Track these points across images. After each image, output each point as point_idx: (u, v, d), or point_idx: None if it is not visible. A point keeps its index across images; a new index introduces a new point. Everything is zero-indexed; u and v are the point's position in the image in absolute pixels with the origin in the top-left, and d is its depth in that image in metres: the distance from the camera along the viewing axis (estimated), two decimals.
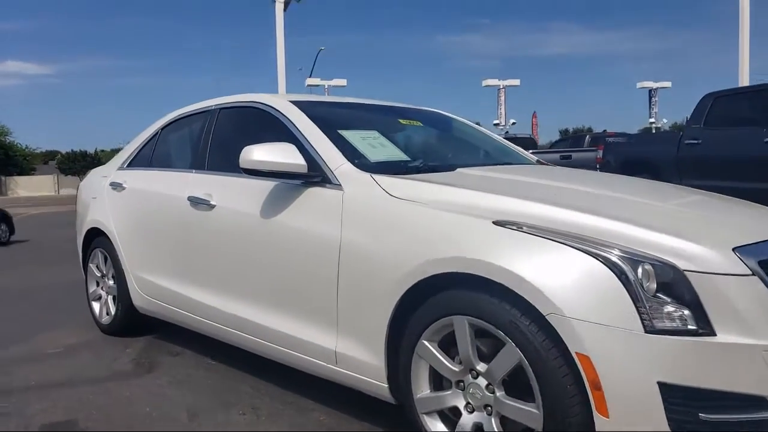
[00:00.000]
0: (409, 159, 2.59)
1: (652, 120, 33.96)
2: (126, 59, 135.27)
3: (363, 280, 2.09)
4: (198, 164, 3.11)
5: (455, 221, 1.87)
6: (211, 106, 3.27)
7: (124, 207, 3.56)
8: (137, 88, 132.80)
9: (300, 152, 2.40)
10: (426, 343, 1.91)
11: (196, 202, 2.91)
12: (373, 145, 2.60)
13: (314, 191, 2.37)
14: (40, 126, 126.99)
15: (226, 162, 2.99)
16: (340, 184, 2.29)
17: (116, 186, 3.68)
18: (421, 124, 3.15)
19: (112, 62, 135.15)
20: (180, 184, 3.11)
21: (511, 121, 33.41)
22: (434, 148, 3.16)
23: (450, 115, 3.46)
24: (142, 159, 3.72)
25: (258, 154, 2.35)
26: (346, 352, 2.18)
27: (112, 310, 3.74)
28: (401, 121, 3.09)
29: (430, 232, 1.92)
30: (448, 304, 1.84)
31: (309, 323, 2.34)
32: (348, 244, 2.15)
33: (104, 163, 4.57)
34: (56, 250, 9.59)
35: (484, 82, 33.50)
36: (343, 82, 30.01)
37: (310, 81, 29.96)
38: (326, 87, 29.52)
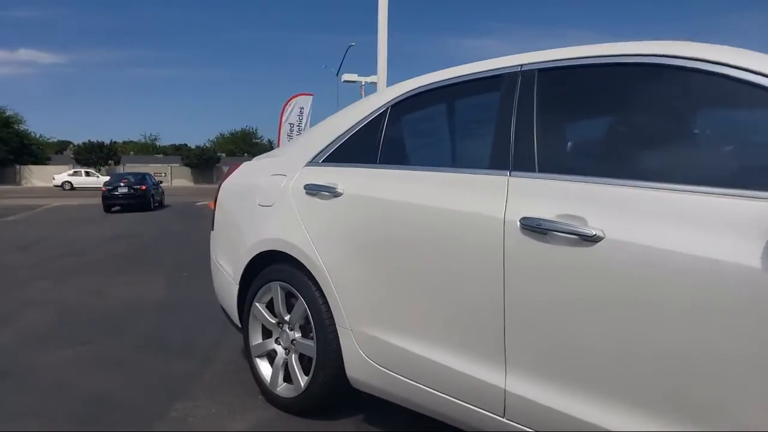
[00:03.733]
0: None
1: None
2: (138, 50, 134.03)
3: None
4: (515, 162, 1.83)
5: None
6: (508, 66, 1.99)
7: (339, 223, 2.28)
8: (150, 80, 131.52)
9: None
10: None
11: (543, 229, 1.64)
12: None
13: None
14: (51, 116, 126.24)
15: (594, 160, 1.74)
16: None
17: (317, 190, 2.40)
18: None
19: (124, 53, 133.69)
20: (483, 195, 1.84)
21: None
22: None
23: None
24: (357, 151, 2.44)
25: None
26: None
27: (302, 379, 2.46)
28: None
29: None
30: None
31: None
32: None
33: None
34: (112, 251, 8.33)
35: None
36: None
37: (346, 77, 28.68)
38: (362, 83, 28.27)
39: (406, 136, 2.39)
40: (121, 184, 18.97)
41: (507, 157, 1.85)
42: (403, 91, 2.35)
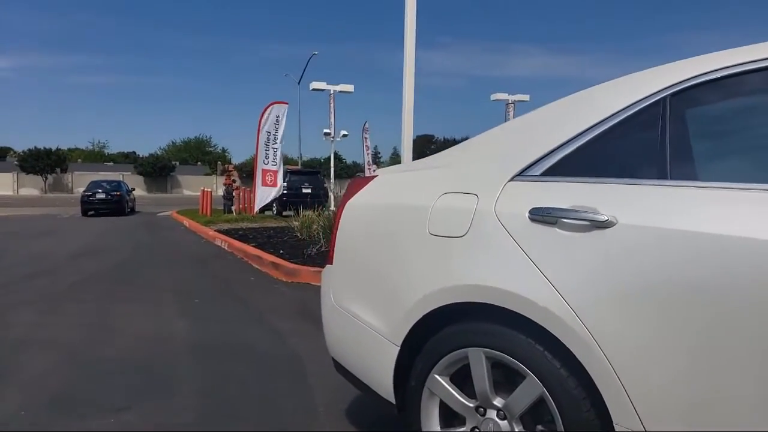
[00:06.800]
0: None
1: None
2: (82, 56, 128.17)
3: None
4: None
5: None
6: None
7: (619, 269, 1.51)
8: (95, 86, 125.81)
9: None
10: None
11: None
12: None
13: None
14: None
15: None
16: None
17: (558, 217, 1.63)
18: None
19: (66, 58, 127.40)
20: None
21: None
22: None
23: None
24: (611, 159, 1.70)
25: None
26: None
27: None
28: None
29: None
30: None
31: None
32: None
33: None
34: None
35: (493, 96, 32.07)
36: (350, 87, 28.05)
37: (315, 85, 27.89)
38: (331, 92, 27.49)
39: (716, 138, 1.65)
40: (99, 190, 21.11)
41: None
42: (691, 75, 1.62)
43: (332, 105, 25.99)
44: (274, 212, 18.31)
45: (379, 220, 2.17)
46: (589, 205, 1.60)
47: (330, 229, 7.70)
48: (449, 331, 1.85)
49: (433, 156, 2.30)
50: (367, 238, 2.21)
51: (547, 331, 1.60)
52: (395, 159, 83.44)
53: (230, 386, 3.13)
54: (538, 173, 1.79)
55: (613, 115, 1.70)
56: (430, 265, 1.90)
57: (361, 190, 2.33)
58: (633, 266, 1.49)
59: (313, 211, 10.26)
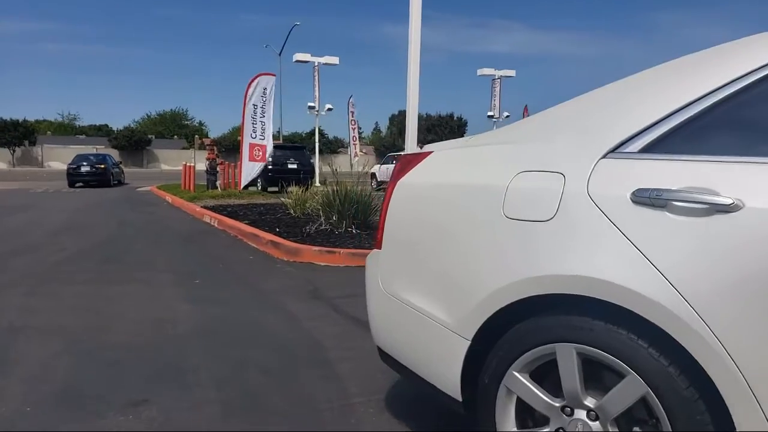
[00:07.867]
0: None
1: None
2: (49, 22, 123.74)
3: None
4: None
5: None
6: None
7: (751, 259, 1.34)
8: (63, 55, 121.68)
9: None
10: None
11: None
12: None
13: None
14: None
15: None
16: None
17: (668, 200, 1.45)
18: None
19: (32, 25, 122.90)
20: None
21: (505, 113, 31.75)
22: None
23: None
24: (725, 133, 1.52)
25: None
26: None
27: None
28: None
29: None
30: None
31: None
32: None
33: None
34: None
35: (480, 72, 31.83)
36: (335, 59, 27.51)
37: (298, 56, 27.34)
38: (316, 64, 26.97)
39: None
40: (84, 163, 22.33)
41: None
42: None
43: (317, 78, 25.46)
44: (259, 188, 17.94)
45: (440, 201, 1.97)
46: (706, 186, 1.42)
47: (329, 206, 7.47)
48: (532, 325, 1.68)
49: (498, 130, 2.10)
50: (425, 221, 2.01)
51: (654, 325, 1.43)
52: (377, 134, 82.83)
53: (252, 375, 2.94)
54: (636, 149, 1.60)
55: (730, 82, 1.52)
56: (509, 251, 1.71)
57: (414, 168, 2.12)
58: (763, 255, 1.32)
59: (304, 189, 9.99)
